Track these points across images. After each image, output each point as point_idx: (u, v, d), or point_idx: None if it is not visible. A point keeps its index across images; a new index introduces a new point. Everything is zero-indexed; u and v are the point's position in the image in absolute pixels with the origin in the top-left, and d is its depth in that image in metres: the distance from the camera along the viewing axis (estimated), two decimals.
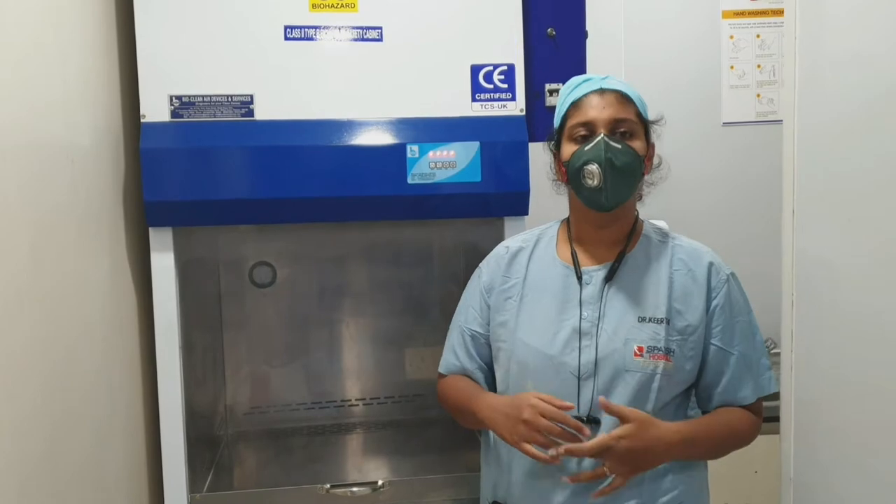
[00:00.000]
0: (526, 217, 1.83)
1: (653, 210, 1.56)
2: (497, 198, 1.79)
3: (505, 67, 1.80)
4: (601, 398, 1.36)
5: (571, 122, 1.45)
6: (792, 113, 1.37)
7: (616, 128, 1.42)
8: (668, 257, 1.47)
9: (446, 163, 1.76)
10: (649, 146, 1.48)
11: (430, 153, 1.75)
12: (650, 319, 1.42)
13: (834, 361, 1.31)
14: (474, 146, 1.76)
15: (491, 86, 1.80)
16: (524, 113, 1.81)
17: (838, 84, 1.30)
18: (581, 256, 1.51)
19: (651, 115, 1.50)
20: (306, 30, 1.74)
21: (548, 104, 1.88)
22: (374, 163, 1.74)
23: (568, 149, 1.46)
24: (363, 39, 1.76)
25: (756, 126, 2.71)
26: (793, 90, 1.37)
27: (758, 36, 2.68)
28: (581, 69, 1.88)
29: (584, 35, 1.89)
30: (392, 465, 2.04)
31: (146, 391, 1.82)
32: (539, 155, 1.81)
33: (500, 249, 1.61)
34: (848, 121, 1.27)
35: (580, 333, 1.44)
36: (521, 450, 1.36)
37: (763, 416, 1.46)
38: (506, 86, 1.80)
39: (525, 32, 1.82)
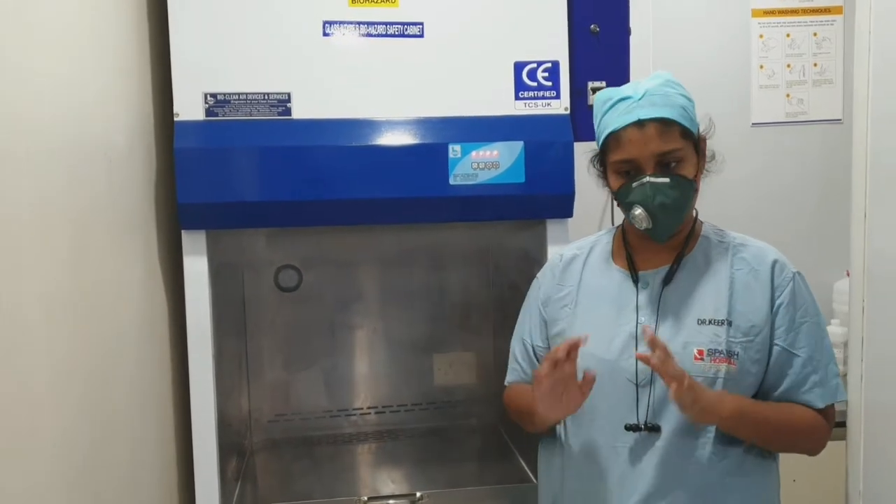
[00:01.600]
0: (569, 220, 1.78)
1: None
2: (541, 199, 1.73)
3: (549, 64, 1.74)
4: (645, 326, 1.33)
5: (613, 156, 1.38)
6: (865, 112, 1.32)
7: (662, 160, 1.35)
8: (729, 257, 1.42)
9: (489, 163, 1.70)
10: (699, 156, 1.41)
11: (473, 153, 1.69)
12: (710, 321, 1.37)
13: None
14: (518, 146, 1.71)
15: (535, 83, 1.74)
16: (569, 111, 1.75)
17: None
18: (637, 261, 1.45)
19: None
20: (345, 26, 1.67)
21: (590, 103, 1.82)
22: (416, 163, 1.68)
23: (614, 181, 1.40)
24: (404, 35, 1.70)
25: (786, 126, 2.66)
26: (865, 88, 1.31)
27: (787, 35, 2.63)
28: (624, 67, 1.83)
29: (628, 32, 1.84)
30: (426, 475, 1.97)
31: (176, 400, 1.75)
32: (580, 154, 1.76)
33: (554, 259, 1.57)
34: None
35: (637, 338, 1.38)
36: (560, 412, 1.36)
37: (834, 423, 1.39)
38: (550, 83, 1.74)
39: (568, 29, 1.76)
